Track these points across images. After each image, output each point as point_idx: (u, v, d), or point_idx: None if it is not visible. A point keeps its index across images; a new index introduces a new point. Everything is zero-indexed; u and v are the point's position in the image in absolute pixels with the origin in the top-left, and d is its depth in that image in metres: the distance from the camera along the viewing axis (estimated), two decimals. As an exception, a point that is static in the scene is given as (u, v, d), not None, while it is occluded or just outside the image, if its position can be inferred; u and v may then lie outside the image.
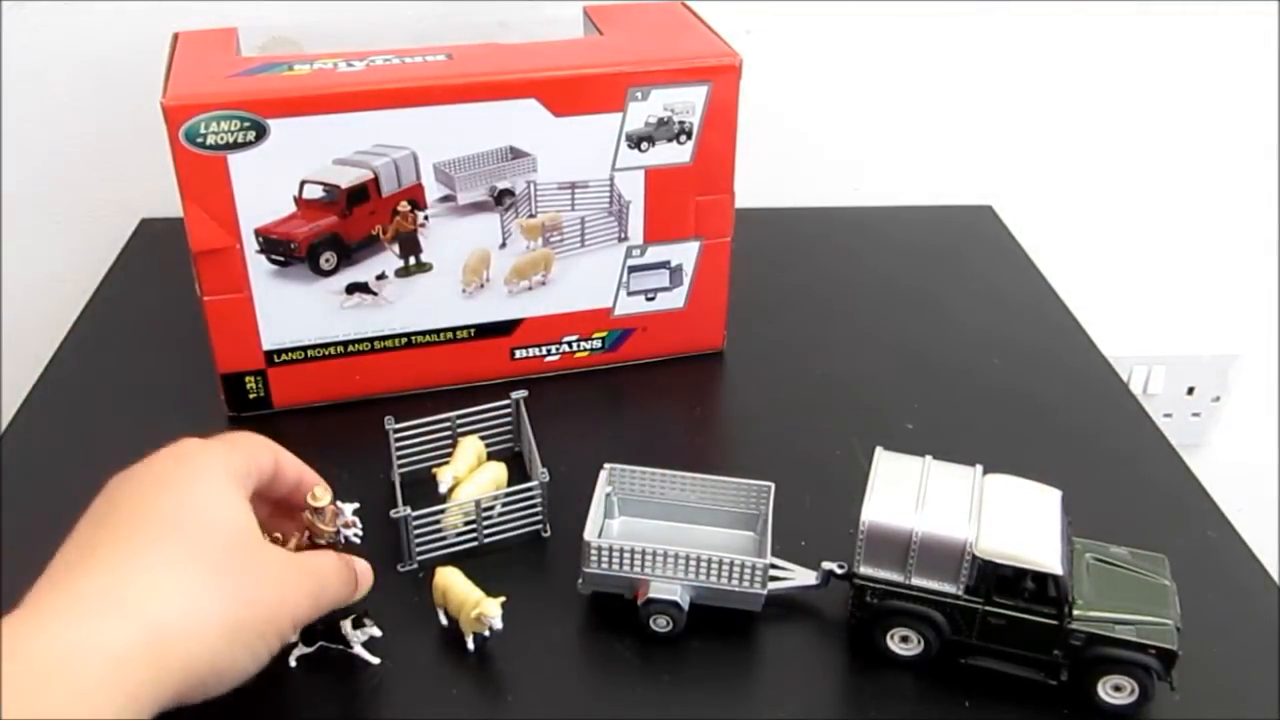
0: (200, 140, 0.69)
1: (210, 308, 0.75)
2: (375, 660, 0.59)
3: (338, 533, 0.56)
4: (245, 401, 0.79)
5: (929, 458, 0.62)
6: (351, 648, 0.59)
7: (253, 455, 0.53)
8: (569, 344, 0.83)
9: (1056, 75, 1.08)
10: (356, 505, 0.58)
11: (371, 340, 0.79)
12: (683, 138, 0.77)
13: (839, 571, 0.62)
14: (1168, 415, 1.25)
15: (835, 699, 0.60)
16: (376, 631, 0.59)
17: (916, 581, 0.58)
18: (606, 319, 0.83)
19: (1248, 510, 0.90)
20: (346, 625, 0.58)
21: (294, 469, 0.57)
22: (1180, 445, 0.79)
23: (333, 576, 0.54)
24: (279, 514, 0.58)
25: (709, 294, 0.84)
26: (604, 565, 0.62)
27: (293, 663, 0.59)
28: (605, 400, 0.83)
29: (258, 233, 0.73)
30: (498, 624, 0.59)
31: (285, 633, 0.51)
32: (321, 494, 0.55)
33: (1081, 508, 0.61)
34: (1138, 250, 1.17)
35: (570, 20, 0.85)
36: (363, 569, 0.57)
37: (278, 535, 0.56)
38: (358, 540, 0.58)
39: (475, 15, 0.94)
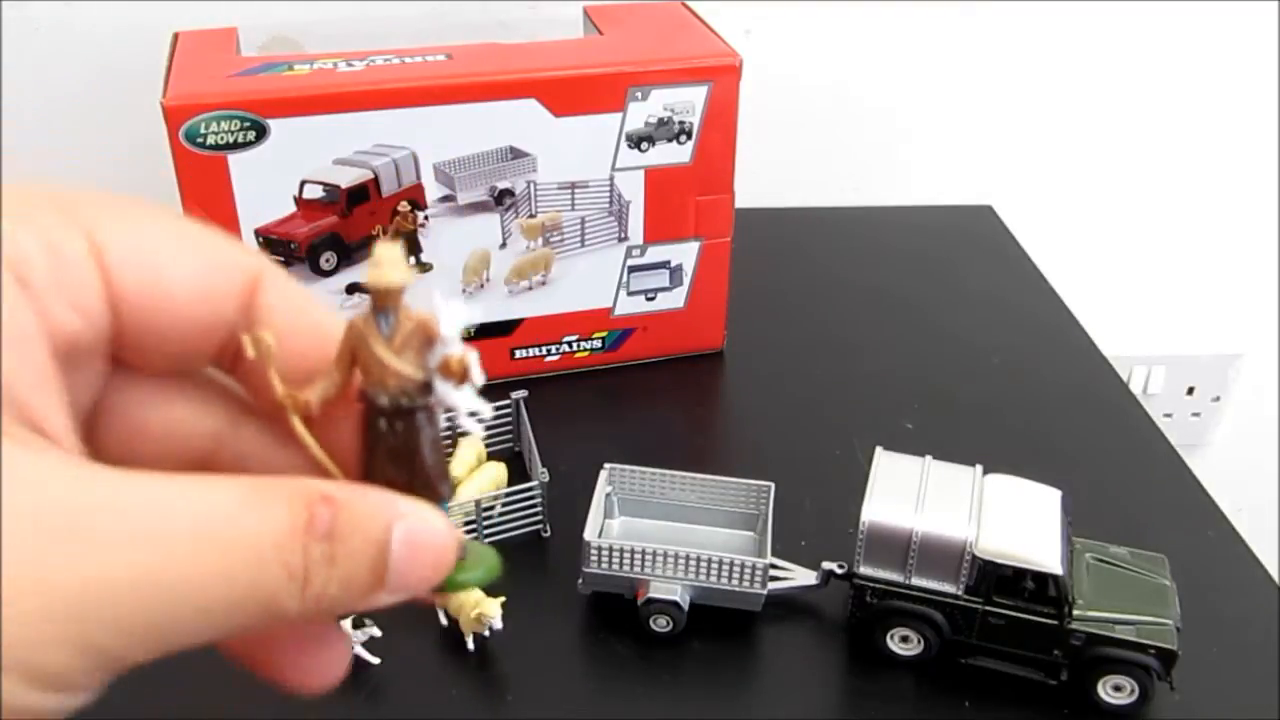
0: (200, 140, 0.69)
1: (210, 308, 0.75)
2: (375, 660, 0.59)
3: (427, 388, 0.25)
4: (245, 401, 0.79)
5: (929, 458, 0.62)
6: (351, 648, 0.59)
7: (42, 242, 0.21)
8: (569, 344, 0.83)
9: (1056, 74, 1.08)
10: (466, 357, 0.25)
11: (371, 340, 0.79)
12: (683, 138, 0.77)
13: (839, 571, 0.62)
14: (1168, 415, 1.25)
15: (835, 699, 0.60)
16: (376, 631, 0.59)
17: (916, 581, 0.58)
18: (606, 319, 0.83)
19: (1248, 510, 0.90)
20: (346, 625, 0.59)
21: (288, 311, 0.25)
22: (1180, 445, 0.79)
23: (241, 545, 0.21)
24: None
25: (709, 294, 0.84)
26: (604, 565, 0.62)
27: (293, 663, 0.59)
28: (605, 400, 0.83)
29: (258, 233, 0.73)
30: (498, 624, 0.59)
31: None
32: (390, 261, 0.25)
33: (1081, 508, 0.61)
34: (1138, 250, 1.17)
35: (570, 20, 0.85)
36: (426, 533, 0.23)
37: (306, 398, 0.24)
38: (477, 428, 0.25)
39: (475, 15, 0.94)
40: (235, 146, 0.69)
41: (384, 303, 0.24)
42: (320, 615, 0.22)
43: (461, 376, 0.24)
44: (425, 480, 0.24)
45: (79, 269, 0.21)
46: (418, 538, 0.23)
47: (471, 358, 0.24)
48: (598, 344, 0.84)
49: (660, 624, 0.61)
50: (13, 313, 0.20)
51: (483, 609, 0.59)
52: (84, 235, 0.22)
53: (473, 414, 0.24)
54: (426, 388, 0.24)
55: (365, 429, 0.23)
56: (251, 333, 0.23)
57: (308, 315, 0.24)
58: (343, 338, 0.23)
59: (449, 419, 0.24)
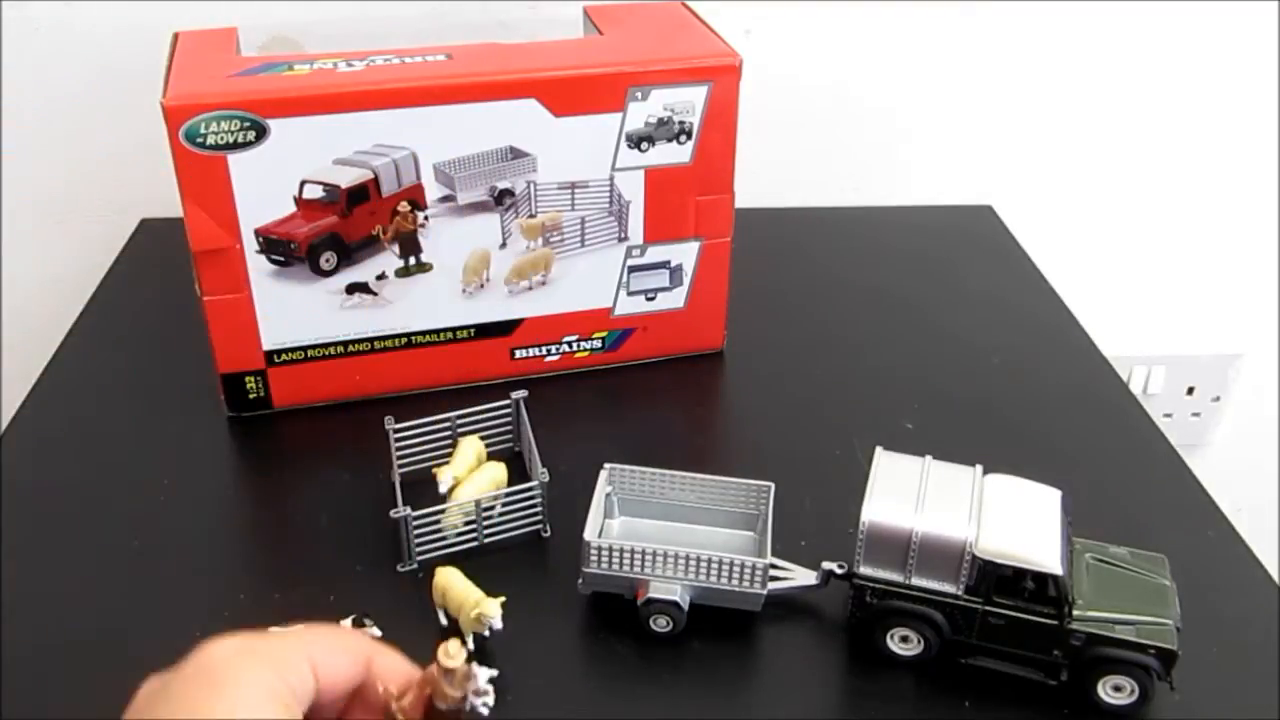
0: (200, 140, 0.69)
1: (210, 308, 0.75)
2: (375, 660, 0.60)
3: (464, 699, 0.47)
4: (245, 401, 0.79)
5: (929, 458, 0.62)
6: None
7: (299, 675, 0.43)
8: (569, 344, 0.83)
9: (1056, 74, 1.08)
10: (494, 674, 0.47)
11: (371, 340, 0.79)
12: (683, 138, 0.77)
13: (839, 571, 0.62)
14: (1168, 415, 1.25)
15: (835, 699, 0.60)
16: (377, 631, 0.59)
17: (916, 581, 0.58)
18: (606, 319, 0.83)
19: (1248, 510, 0.90)
20: (346, 625, 0.59)
21: (390, 667, 0.46)
22: (1180, 445, 0.79)
23: None
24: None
25: (709, 294, 0.84)
26: (604, 565, 0.62)
27: (293, 663, 0.60)
28: (605, 400, 0.83)
29: (258, 233, 0.73)
30: (498, 624, 0.59)
31: None
32: (456, 652, 0.45)
33: (1081, 508, 0.61)
34: (1138, 250, 1.17)
35: (570, 20, 0.85)
36: None
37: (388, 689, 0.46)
38: (485, 711, 0.48)
39: (475, 15, 0.94)
40: (235, 146, 0.69)
41: (448, 670, 0.43)
42: None
43: (481, 694, 0.44)
44: None
45: (308, 684, 0.41)
46: None
47: (478, 683, 0.44)
48: (598, 344, 0.84)
49: (660, 624, 0.61)
50: (291, 709, 0.39)
51: (483, 609, 0.59)
52: (309, 665, 0.41)
53: (483, 696, 0.45)
54: (463, 699, 0.44)
55: (429, 710, 0.44)
56: (384, 686, 0.44)
57: (398, 666, 0.45)
58: (422, 679, 0.44)
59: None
